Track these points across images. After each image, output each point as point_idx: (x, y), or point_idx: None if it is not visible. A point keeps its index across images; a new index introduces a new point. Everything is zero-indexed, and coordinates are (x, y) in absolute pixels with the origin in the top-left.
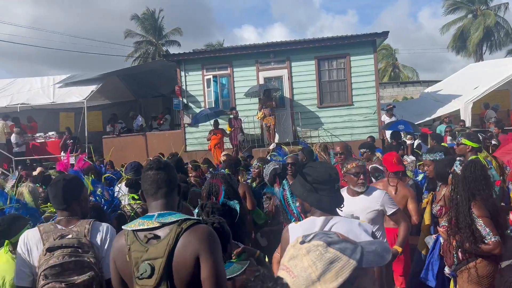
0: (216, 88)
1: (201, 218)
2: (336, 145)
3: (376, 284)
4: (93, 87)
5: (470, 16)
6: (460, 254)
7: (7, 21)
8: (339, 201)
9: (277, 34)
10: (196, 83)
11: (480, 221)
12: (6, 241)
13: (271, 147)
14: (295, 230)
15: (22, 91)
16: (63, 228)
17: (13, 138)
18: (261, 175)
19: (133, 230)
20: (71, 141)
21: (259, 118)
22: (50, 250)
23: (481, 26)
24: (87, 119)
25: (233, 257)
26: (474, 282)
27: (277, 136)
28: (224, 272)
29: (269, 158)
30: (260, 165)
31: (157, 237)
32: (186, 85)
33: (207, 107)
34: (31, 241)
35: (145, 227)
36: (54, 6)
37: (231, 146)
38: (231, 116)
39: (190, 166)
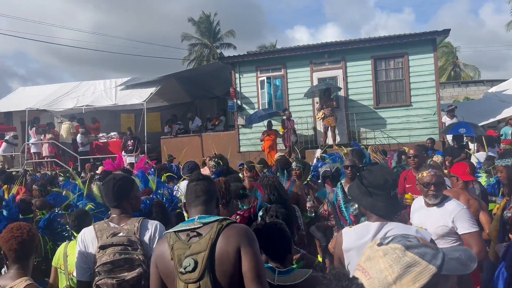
0: (270, 90)
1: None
2: (410, 148)
3: None
4: (152, 89)
5: None
6: None
7: (71, 27)
8: (396, 208)
9: (330, 34)
10: (250, 85)
11: None
12: (76, 234)
13: (317, 154)
14: (348, 235)
15: (87, 93)
16: (116, 226)
17: (78, 138)
18: (301, 176)
19: (175, 231)
20: (132, 141)
21: (319, 118)
22: (102, 247)
23: None
24: (146, 120)
25: (293, 263)
26: None
27: (337, 137)
28: (264, 266)
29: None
30: (300, 166)
31: (199, 234)
32: (240, 87)
33: (260, 108)
34: (87, 238)
35: (186, 228)
36: (114, 12)
37: (284, 147)
38: (284, 117)
39: (245, 166)
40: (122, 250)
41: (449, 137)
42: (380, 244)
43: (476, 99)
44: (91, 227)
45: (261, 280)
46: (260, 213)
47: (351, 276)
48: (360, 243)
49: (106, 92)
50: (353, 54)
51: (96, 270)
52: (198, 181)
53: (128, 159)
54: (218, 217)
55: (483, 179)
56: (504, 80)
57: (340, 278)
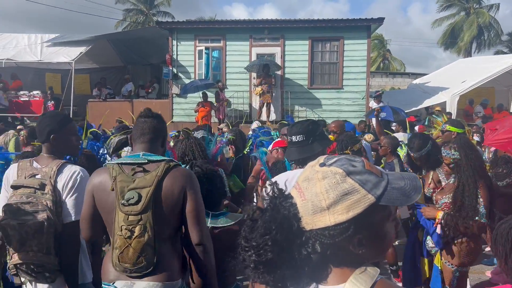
0: (208, 60)
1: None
2: (332, 123)
3: (394, 228)
4: (82, 49)
5: (462, 13)
6: (451, 230)
7: None
8: (312, 151)
9: (269, 14)
10: (187, 53)
11: (481, 201)
12: None
13: (253, 126)
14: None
15: (8, 47)
16: (38, 166)
17: None
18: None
19: (118, 164)
20: (53, 102)
21: (257, 94)
22: (14, 187)
23: (474, 24)
24: (74, 82)
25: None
26: (460, 257)
27: (272, 114)
28: (204, 209)
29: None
30: (232, 137)
31: (145, 170)
32: (177, 55)
33: (197, 78)
34: (9, 175)
35: (131, 161)
36: None
37: (217, 120)
38: (218, 89)
39: (181, 133)
40: (31, 193)
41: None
42: (322, 165)
43: (401, 89)
44: (15, 164)
45: (201, 221)
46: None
47: (287, 193)
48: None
49: (30, 47)
50: (292, 33)
51: (3, 209)
52: (147, 118)
53: None
54: (164, 157)
55: (402, 152)
56: (427, 74)
57: (276, 194)
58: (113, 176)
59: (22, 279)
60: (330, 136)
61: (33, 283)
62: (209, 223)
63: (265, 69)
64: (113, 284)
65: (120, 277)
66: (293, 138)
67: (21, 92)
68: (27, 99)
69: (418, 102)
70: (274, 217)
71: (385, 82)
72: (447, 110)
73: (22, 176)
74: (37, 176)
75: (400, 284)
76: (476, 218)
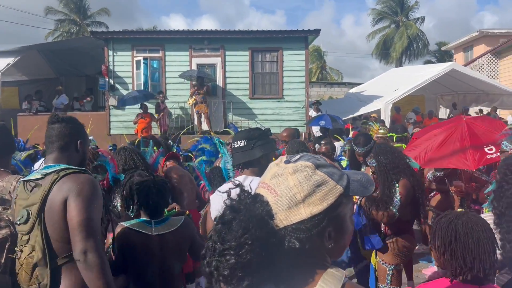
0: (146, 71)
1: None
2: (283, 131)
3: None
4: (9, 60)
5: (393, 26)
6: (386, 228)
7: None
8: (253, 156)
9: (207, 25)
10: (124, 64)
11: (398, 195)
12: None
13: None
14: (215, 198)
15: None
16: None
17: None
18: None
19: (24, 181)
20: None
21: (190, 104)
22: None
23: (403, 35)
24: (1, 95)
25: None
26: (394, 255)
27: (212, 124)
28: (93, 217)
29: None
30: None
31: (38, 185)
32: (113, 65)
33: (135, 89)
34: None
35: (32, 178)
36: None
37: (158, 132)
38: (159, 100)
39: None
40: None
41: (316, 129)
42: (287, 162)
43: (339, 98)
44: None
45: (83, 229)
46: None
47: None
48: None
49: None
50: (232, 43)
51: None
52: (53, 124)
53: None
54: (60, 167)
55: (344, 162)
56: (362, 83)
57: (242, 197)
58: (16, 194)
59: None
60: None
61: None
62: (153, 231)
63: (198, 80)
64: None
65: None
66: (236, 143)
67: None
68: None
69: (354, 110)
70: (250, 216)
71: (324, 91)
72: (382, 118)
73: None
74: None
75: None
76: (391, 208)
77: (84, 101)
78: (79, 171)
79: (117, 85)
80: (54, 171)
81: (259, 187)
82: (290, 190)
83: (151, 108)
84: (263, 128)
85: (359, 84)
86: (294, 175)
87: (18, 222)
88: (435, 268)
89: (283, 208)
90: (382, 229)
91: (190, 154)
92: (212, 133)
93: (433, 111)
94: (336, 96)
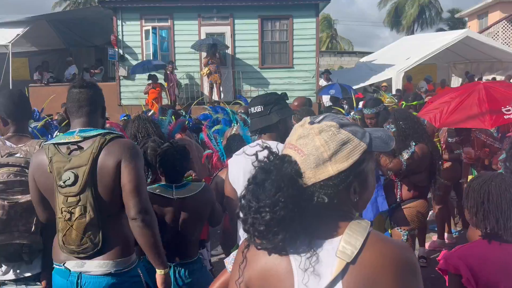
0: (155, 41)
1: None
2: (294, 101)
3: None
4: (18, 31)
5: None
6: (401, 194)
7: None
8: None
9: None
10: (133, 34)
11: (411, 150)
12: None
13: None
14: (234, 161)
15: None
16: (13, 145)
17: None
18: None
19: (54, 144)
20: None
21: (204, 75)
22: None
23: (416, 2)
24: (11, 66)
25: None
26: (408, 220)
27: (222, 94)
28: (144, 180)
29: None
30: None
31: (80, 148)
32: (122, 35)
33: (144, 59)
34: None
35: (66, 141)
36: None
37: (168, 102)
38: (168, 70)
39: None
40: (18, 171)
41: (326, 99)
42: (312, 123)
43: (349, 68)
44: None
45: (138, 193)
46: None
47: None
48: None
49: None
50: (241, 11)
51: None
52: (81, 88)
53: None
54: (101, 131)
55: None
56: (373, 52)
57: (271, 158)
58: (49, 157)
59: None
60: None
61: (5, 267)
62: (174, 194)
63: (212, 49)
64: (63, 264)
65: (70, 257)
66: (252, 109)
67: None
68: None
69: (365, 79)
70: (281, 176)
71: (334, 61)
72: (393, 86)
73: None
74: (16, 155)
75: None
76: (400, 157)
77: (95, 71)
78: (121, 136)
79: (126, 55)
80: (98, 135)
81: (286, 148)
82: (317, 150)
83: (161, 78)
84: (280, 93)
85: (370, 53)
86: (320, 135)
87: (64, 184)
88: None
89: (310, 166)
90: (398, 195)
91: (200, 124)
92: (221, 104)
93: (445, 80)
94: (346, 66)
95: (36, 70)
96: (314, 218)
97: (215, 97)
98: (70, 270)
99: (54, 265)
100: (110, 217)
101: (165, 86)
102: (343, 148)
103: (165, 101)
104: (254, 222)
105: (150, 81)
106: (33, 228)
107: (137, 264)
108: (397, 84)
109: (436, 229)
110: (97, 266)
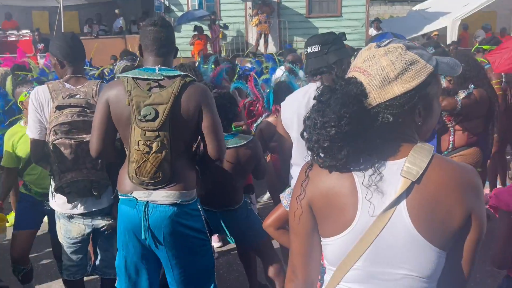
0: None
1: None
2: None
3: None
4: None
5: None
6: (454, 139)
7: None
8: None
9: None
10: None
11: (470, 91)
12: None
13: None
14: (287, 103)
15: None
16: (72, 87)
17: None
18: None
19: (133, 78)
20: (43, 44)
21: (253, 25)
22: (59, 108)
23: None
24: (63, 19)
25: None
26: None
27: (269, 45)
28: (221, 124)
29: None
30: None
31: (160, 86)
32: None
33: (190, 10)
34: (41, 97)
35: (147, 77)
36: None
37: (212, 53)
38: (212, 21)
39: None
40: (80, 112)
41: None
42: (378, 46)
43: (401, 17)
44: (44, 86)
45: (218, 137)
46: None
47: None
48: (305, 102)
49: None
50: None
51: (53, 129)
52: (162, 27)
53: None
54: (180, 72)
55: None
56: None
57: (337, 80)
58: (128, 90)
59: (69, 199)
60: None
61: (75, 201)
62: None
63: None
64: (131, 194)
65: (137, 188)
66: (309, 49)
67: (9, 32)
68: (15, 39)
69: (418, 28)
70: (346, 94)
71: (384, 10)
72: (448, 36)
73: (59, 98)
74: (76, 96)
75: None
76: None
77: (142, 24)
78: (196, 80)
79: (172, 7)
80: (178, 76)
81: (351, 71)
82: (383, 70)
83: (206, 30)
84: (339, 33)
85: (423, 0)
86: (386, 56)
87: (143, 119)
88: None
89: (376, 86)
90: (451, 141)
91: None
92: (262, 55)
93: (506, 29)
94: (397, 15)
95: (86, 23)
96: (378, 138)
97: (261, 48)
98: (137, 199)
99: (120, 196)
100: (180, 153)
101: (210, 37)
102: (410, 69)
103: (210, 52)
104: (319, 138)
105: (195, 32)
106: (99, 165)
107: (197, 200)
108: (452, 34)
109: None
110: (163, 196)
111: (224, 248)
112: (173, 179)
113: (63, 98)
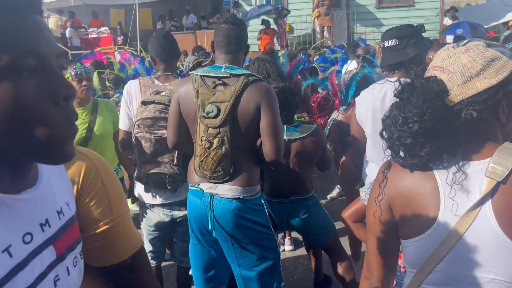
0: None
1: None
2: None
3: None
4: None
5: None
6: None
7: None
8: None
9: None
10: None
11: None
12: None
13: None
14: (362, 98)
15: None
16: (160, 84)
17: (67, 32)
18: None
19: (201, 76)
20: (122, 37)
21: (313, 17)
22: (144, 103)
23: None
24: (138, 16)
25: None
26: None
27: (335, 38)
28: (281, 125)
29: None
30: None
31: (225, 84)
32: None
33: (258, 4)
34: (132, 91)
35: (213, 75)
36: None
37: (279, 47)
38: (277, 15)
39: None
40: (162, 109)
41: (450, 39)
42: (455, 46)
43: (479, 4)
44: (136, 81)
45: (277, 137)
46: None
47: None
48: (380, 97)
49: None
50: None
51: (137, 123)
52: (233, 25)
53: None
54: (245, 71)
55: None
56: None
57: (417, 77)
58: (196, 87)
59: (145, 190)
60: None
61: (153, 192)
62: (285, 136)
63: None
64: (198, 185)
65: (203, 180)
66: (386, 43)
67: (90, 29)
68: (96, 36)
69: (499, 16)
70: (428, 90)
71: None
72: None
73: (147, 93)
74: (161, 93)
75: None
76: None
77: (212, 20)
78: (261, 79)
79: (240, 1)
80: (243, 74)
81: (430, 70)
82: (464, 67)
83: (273, 24)
84: (416, 25)
85: None
86: (466, 53)
87: (206, 116)
88: None
89: (457, 83)
90: None
91: (314, 66)
92: (333, 47)
93: None
94: (476, 3)
95: (159, 19)
96: (461, 137)
97: (328, 41)
98: (203, 191)
99: (189, 187)
100: (241, 150)
101: (277, 31)
102: (492, 65)
103: (277, 46)
104: (400, 135)
105: (263, 27)
106: (175, 161)
107: (261, 195)
108: None
109: None
110: (227, 190)
111: (298, 253)
112: (235, 174)
113: (150, 94)
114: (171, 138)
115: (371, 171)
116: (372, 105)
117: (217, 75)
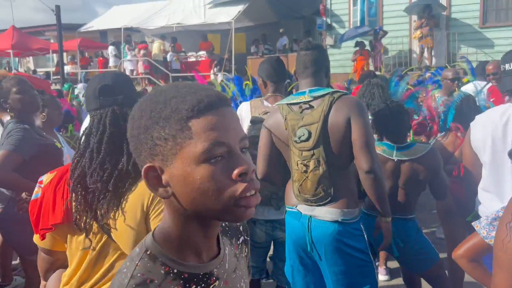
0: (363, 7)
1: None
2: (489, 64)
3: None
4: (240, 7)
5: None
6: None
7: None
8: None
9: None
10: (341, 1)
11: None
12: None
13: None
14: (478, 125)
15: (177, 11)
16: (269, 105)
17: (168, 56)
18: None
19: (287, 104)
20: (216, 61)
21: (416, 38)
22: (252, 122)
23: None
24: (233, 41)
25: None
26: None
27: (434, 59)
28: (372, 136)
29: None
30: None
31: (311, 107)
32: (331, 4)
33: (352, 26)
34: (243, 111)
35: (299, 101)
36: None
37: (373, 69)
38: (374, 37)
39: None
40: None
41: None
42: None
43: None
44: (248, 103)
45: (369, 148)
46: None
47: None
48: (502, 123)
49: (195, 10)
50: None
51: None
52: (307, 50)
53: (218, 78)
54: (329, 90)
55: None
56: None
57: None
58: (284, 115)
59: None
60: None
61: (258, 208)
62: (395, 155)
63: (426, 10)
64: (296, 207)
65: (301, 202)
66: (507, 66)
67: (189, 54)
68: (194, 59)
69: None
70: None
71: None
72: None
73: (256, 113)
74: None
75: None
76: None
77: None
78: (347, 94)
79: (334, 24)
80: (327, 94)
81: None
82: None
83: (367, 45)
84: None
85: None
86: None
87: (298, 140)
88: None
89: None
90: None
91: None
92: (432, 69)
93: None
94: None
95: (253, 43)
96: None
97: (425, 62)
98: (301, 213)
99: (287, 208)
100: (339, 169)
101: (372, 53)
102: None
103: (371, 67)
104: None
105: (357, 48)
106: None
107: (360, 219)
108: None
109: None
110: (326, 212)
111: (393, 282)
112: (335, 196)
113: (259, 115)
114: (262, 168)
115: (488, 202)
116: (492, 132)
117: (302, 101)
